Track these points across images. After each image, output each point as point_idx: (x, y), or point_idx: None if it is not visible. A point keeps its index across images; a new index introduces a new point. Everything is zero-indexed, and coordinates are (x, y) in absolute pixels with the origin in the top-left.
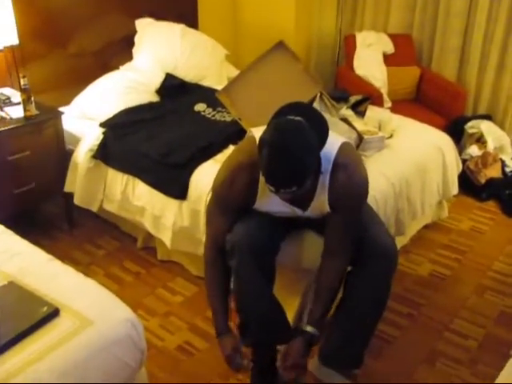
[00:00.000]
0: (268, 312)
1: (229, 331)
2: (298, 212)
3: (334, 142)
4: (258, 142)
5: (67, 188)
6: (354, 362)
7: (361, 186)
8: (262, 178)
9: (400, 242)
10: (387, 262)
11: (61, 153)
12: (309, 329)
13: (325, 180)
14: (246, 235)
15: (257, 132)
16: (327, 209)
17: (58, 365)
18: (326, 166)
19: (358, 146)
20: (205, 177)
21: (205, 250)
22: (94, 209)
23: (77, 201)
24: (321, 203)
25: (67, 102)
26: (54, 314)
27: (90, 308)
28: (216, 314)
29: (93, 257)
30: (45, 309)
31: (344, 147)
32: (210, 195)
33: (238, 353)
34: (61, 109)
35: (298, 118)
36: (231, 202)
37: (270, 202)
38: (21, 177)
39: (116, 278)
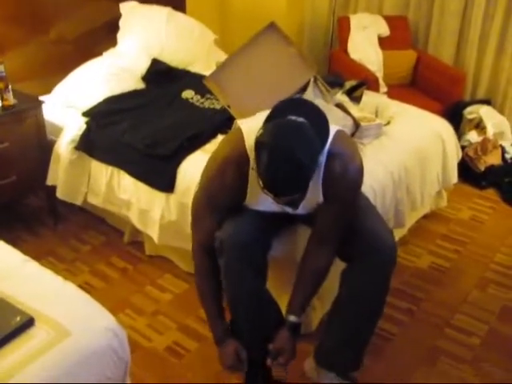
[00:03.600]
0: (259, 309)
1: (228, 336)
2: (289, 210)
3: None
4: (248, 140)
5: (50, 181)
6: (353, 364)
7: (356, 177)
8: (251, 174)
9: (398, 233)
10: (385, 258)
11: (42, 144)
12: (291, 318)
13: (319, 172)
14: (236, 232)
15: (244, 124)
16: (320, 200)
17: (30, 382)
18: (320, 158)
19: (353, 134)
20: (193, 168)
21: (193, 255)
22: (78, 202)
23: (60, 194)
24: (313, 198)
25: (48, 91)
26: (28, 323)
27: (67, 316)
28: (212, 319)
29: (78, 253)
30: (18, 319)
31: (338, 136)
32: (196, 193)
33: (240, 361)
34: (41, 98)
35: (300, 120)
36: (220, 199)
37: (259, 201)
38: (0, 170)
39: (102, 275)
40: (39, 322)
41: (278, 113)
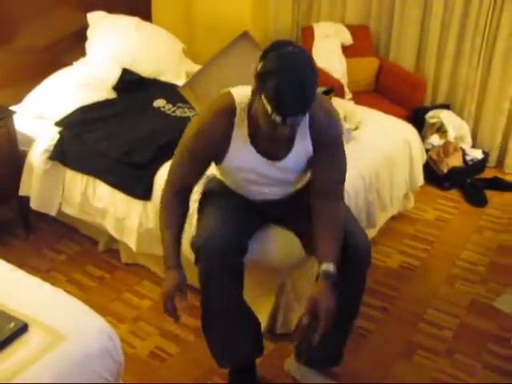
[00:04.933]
0: (237, 319)
1: (180, 266)
2: (272, 165)
3: None
4: (237, 96)
5: (22, 191)
6: (334, 359)
7: (338, 125)
8: (236, 129)
9: (369, 234)
10: (361, 257)
11: (14, 155)
12: (326, 266)
13: (305, 122)
14: (212, 237)
15: (233, 90)
16: (309, 151)
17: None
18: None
19: None
20: None
21: (162, 194)
22: (53, 212)
23: (33, 205)
24: (302, 148)
25: (18, 101)
26: (23, 329)
27: (61, 321)
28: (168, 248)
29: (52, 262)
30: (12, 325)
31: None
32: (180, 143)
33: (180, 292)
34: (12, 108)
35: (297, 49)
36: (202, 150)
37: (241, 154)
38: None
39: (79, 284)
40: (33, 328)
41: (273, 48)
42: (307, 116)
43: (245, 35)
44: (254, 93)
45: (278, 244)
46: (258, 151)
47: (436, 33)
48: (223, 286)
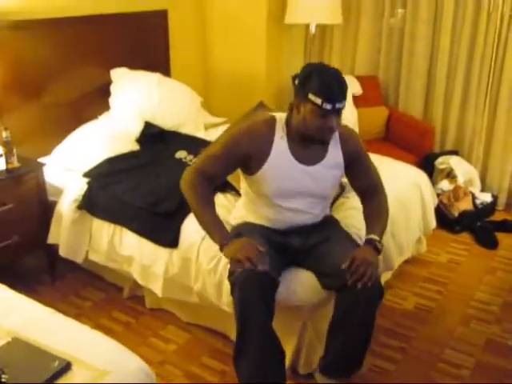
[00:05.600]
0: (268, 342)
1: (235, 236)
2: (306, 172)
3: None
4: (278, 116)
5: (51, 240)
6: (355, 366)
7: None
8: (277, 137)
9: (384, 277)
10: (371, 289)
11: (43, 205)
12: (372, 236)
13: (335, 136)
14: (250, 269)
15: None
16: (339, 163)
17: None
18: None
19: (339, 195)
20: (195, 225)
21: (188, 178)
22: (80, 260)
23: (62, 252)
24: (333, 157)
25: (46, 153)
26: (66, 368)
27: (101, 359)
28: (219, 226)
29: (79, 309)
30: (56, 363)
31: None
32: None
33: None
34: (41, 160)
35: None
36: (241, 149)
37: (281, 160)
38: (2, 231)
39: (106, 329)
40: (76, 366)
41: (303, 67)
42: (337, 133)
43: (260, 105)
44: (293, 106)
45: (300, 283)
46: (295, 158)
47: (442, 82)
48: (260, 315)
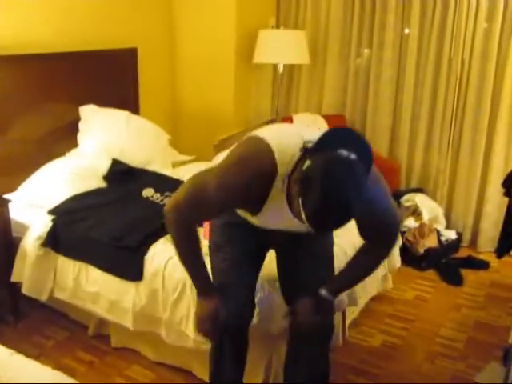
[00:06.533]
0: None
1: (213, 289)
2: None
3: None
4: (279, 156)
5: (15, 278)
6: None
7: (394, 219)
8: (274, 192)
9: (350, 315)
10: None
11: (7, 242)
12: (323, 292)
13: None
14: (230, 314)
15: (268, 138)
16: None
17: None
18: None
19: None
20: (158, 255)
21: (176, 226)
22: (44, 298)
23: (25, 290)
24: None
25: (12, 189)
26: None
27: None
28: (197, 271)
29: (42, 348)
30: None
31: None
32: (211, 180)
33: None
34: (6, 196)
35: (352, 157)
36: (232, 204)
37: (275, 215)
38: None
39: (69, 369)
40: None
41: (327, 144)
42: None
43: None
44: (293, 180)
45: (278, 314)
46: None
47: (407, 122)
48: (226, 369)
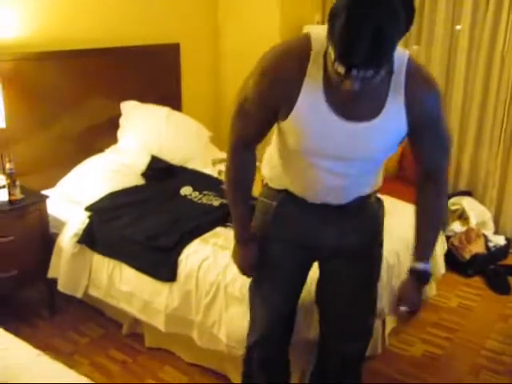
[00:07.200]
0: None
1: (253, 240)
2: (351, 128)
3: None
4: (314, 37)
5: (51, 273)
6: None
7: (437, 87)
8: (308, 76)
9: (391, 322)
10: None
11: (45, 237)
12: (418, 266)
13: (400, 80)
14: (262, 340)
15: (314, 30)
16: (402, 118)
17: None
18: (399, 66)
19: None
20: (192, 256)
21: (232, 151)
22: (79, 295)
23: (61, 287)
24: (396, 110)
25: (51, 185)
26: None
27: None
28: (243, 220)
29: (76, 345)
30: None
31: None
32: (242, 89)
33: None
34: (45, 192)
35: None
36: (271, 95)
37: (313, 106)
38: (2, 263)
39: (102, 368)
40: None
41: None
42: (403, 74)
43: None
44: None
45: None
46: (334, 107)
47: (456, 121)
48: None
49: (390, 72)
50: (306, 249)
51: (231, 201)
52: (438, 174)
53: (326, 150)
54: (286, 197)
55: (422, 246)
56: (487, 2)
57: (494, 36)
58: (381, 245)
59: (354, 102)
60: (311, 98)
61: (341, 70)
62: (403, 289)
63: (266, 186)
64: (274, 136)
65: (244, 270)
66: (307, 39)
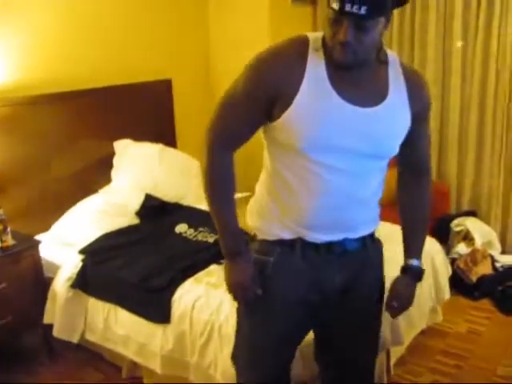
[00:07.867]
0: None
1: (248, 251)
2: (360, 115)
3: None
4: (311, 34)
5: (47, 319)
6: None
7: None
8: (310, 60)
9: (396, 352)
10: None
11: (39, 282)
12: (413, 262)
13: (397, 70)
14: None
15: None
16: (406, 111)
17: None
18: (393, 60)
19: None
20: (186, 296)
21: (211, 154)
22: (75, 340)
23: (56, 333)
24: (400, 101)
25: (46, 228)
26: None
27: None
28: (230, 228)
29: None
30: None
31: None
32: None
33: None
34: (40, 235)
35: None
36: (263, 86)
37: (318, 91)
38: None
39: None
40: None
41: None
42: (398, 64)
43: None
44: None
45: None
46: (338, 92)
47: (455, 140)
48: None
49: (385, 62)
50: (308, 303)
51: (213, 207)
52: (429, 164)
53: (330, 140)
54: (283, 249)
55: (415, 243)
56: (477, 19)
57: (487, 53)
58: (383, 286)
59: (357, 87)
60: (315, 84)
61: (335, 5)
62: (396, 286)
63: (256, 240)
64: (261, 174)
65: (237, 291)
66: (303, 35)
